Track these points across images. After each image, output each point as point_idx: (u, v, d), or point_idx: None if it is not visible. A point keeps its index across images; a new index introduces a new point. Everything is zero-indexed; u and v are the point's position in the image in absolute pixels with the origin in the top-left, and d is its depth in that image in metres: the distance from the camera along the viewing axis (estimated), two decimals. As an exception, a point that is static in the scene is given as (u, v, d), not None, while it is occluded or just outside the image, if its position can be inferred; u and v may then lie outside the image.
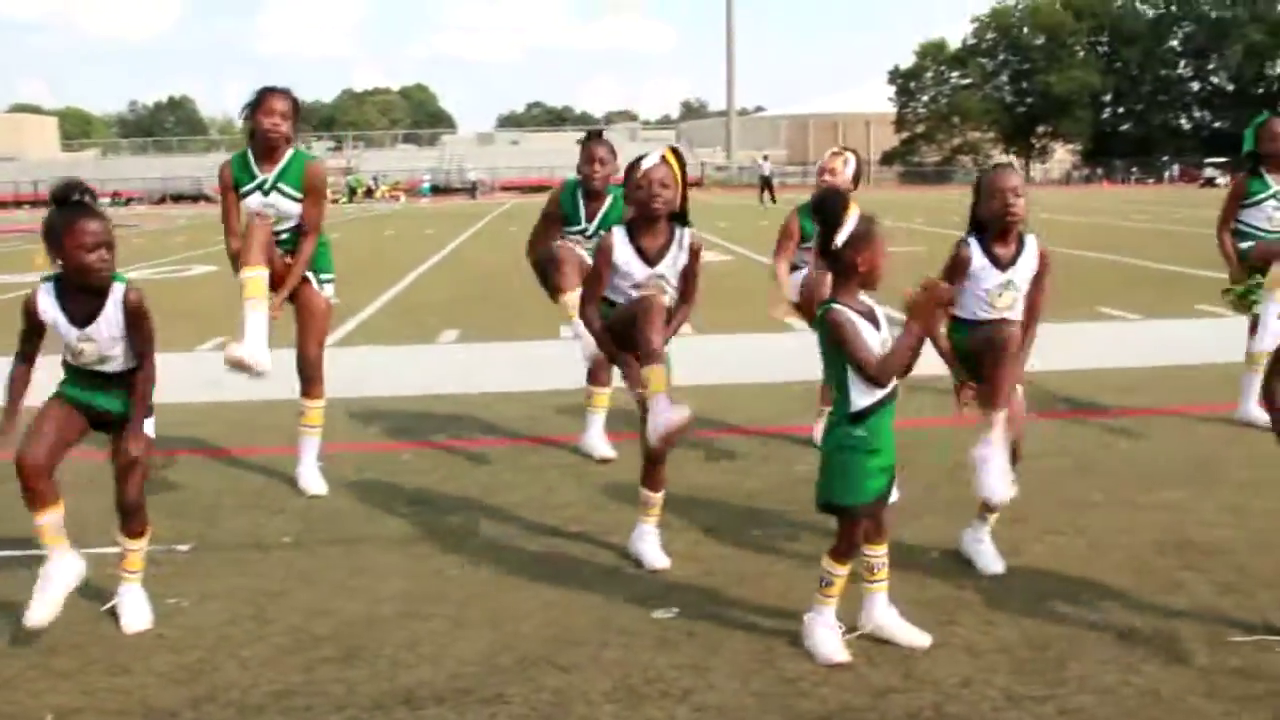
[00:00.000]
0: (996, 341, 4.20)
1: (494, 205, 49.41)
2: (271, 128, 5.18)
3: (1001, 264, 4.29)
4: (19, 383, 3.88)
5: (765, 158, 50.15)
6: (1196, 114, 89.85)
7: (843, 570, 3.60)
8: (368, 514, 5.22)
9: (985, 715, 3.26)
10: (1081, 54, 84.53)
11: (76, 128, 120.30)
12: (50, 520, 3.82)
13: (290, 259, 5.34)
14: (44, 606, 3.75)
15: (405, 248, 23.72)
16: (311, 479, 5.58)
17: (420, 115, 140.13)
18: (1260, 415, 5.25)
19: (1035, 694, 3.36)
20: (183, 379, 7.22)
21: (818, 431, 6.13)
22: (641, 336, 4.14)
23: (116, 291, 3.81)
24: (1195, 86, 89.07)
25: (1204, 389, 7.35)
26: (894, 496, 3.65)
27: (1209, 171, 64.88)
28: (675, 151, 4.29)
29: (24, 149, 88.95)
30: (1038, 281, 4.36)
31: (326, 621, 3.96)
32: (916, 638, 3.68)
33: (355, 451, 6.36)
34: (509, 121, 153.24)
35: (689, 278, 4.37)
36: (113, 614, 4.01)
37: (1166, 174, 76.03)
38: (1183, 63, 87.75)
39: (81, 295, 3.79)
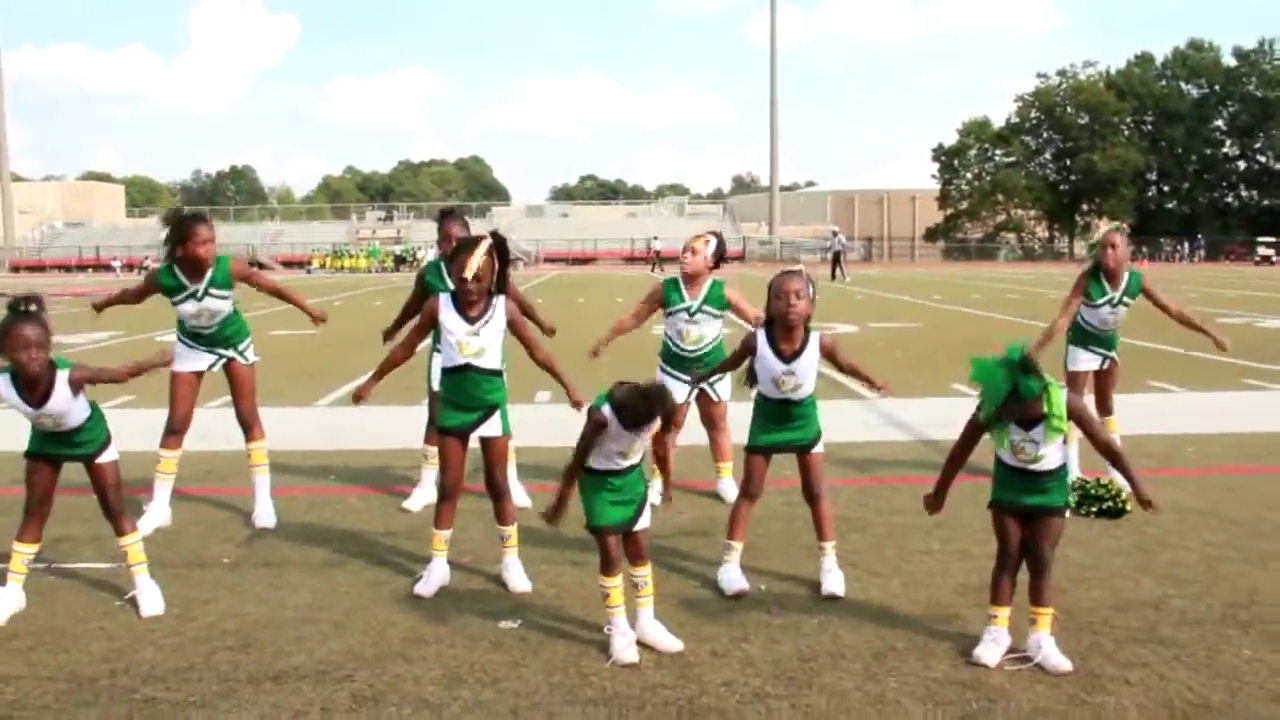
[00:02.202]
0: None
1: (532, 277, 50.80)
2: (206, 255, 6.26)
3: (785, 357, 5.16)
4: None
5: (835, 232, 50.80)
6: (1244, 192, 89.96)
7: (610, 582, 4.52)
8: (300, 544, 6.19)
9: (729, 706, 4.08)
10: (1125, 133, 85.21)
11: (142, 195, 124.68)
12: (27, 553, 5.06)
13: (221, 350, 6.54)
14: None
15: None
16: (263, 514, 6.59)
17: (475, 186, 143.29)
18: None
19: (779, 693, 4.19)
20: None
21: (721, 486, 7.06)
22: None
23: (61, 375, 4.82)
24: (1241, 165, 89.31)
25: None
26: (643, 523, 4.58)
27: (1262, 250, 65.27)
28: (497, 238, 5.16)
29: (92, 215, 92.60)
30: (834, 359, 5.24)
31: (235, 621, 4.92)
32: (670, 643, 4.57)
33: (309, 493, 7.35)
34: (562, 194, 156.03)
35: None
36: (132, 602, 5.09)
37: (1199, 252, 76.38)
38: (1228, 141, 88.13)
39: (31, 384, 4.79)
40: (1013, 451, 4.40)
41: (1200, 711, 3.98)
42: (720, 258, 6.86)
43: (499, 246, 5.16)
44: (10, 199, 78.20)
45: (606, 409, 4.39)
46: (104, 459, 5.06)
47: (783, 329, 5.14)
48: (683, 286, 6.83)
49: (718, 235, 6.99)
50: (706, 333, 6.85)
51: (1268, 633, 4.75)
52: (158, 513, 6.49)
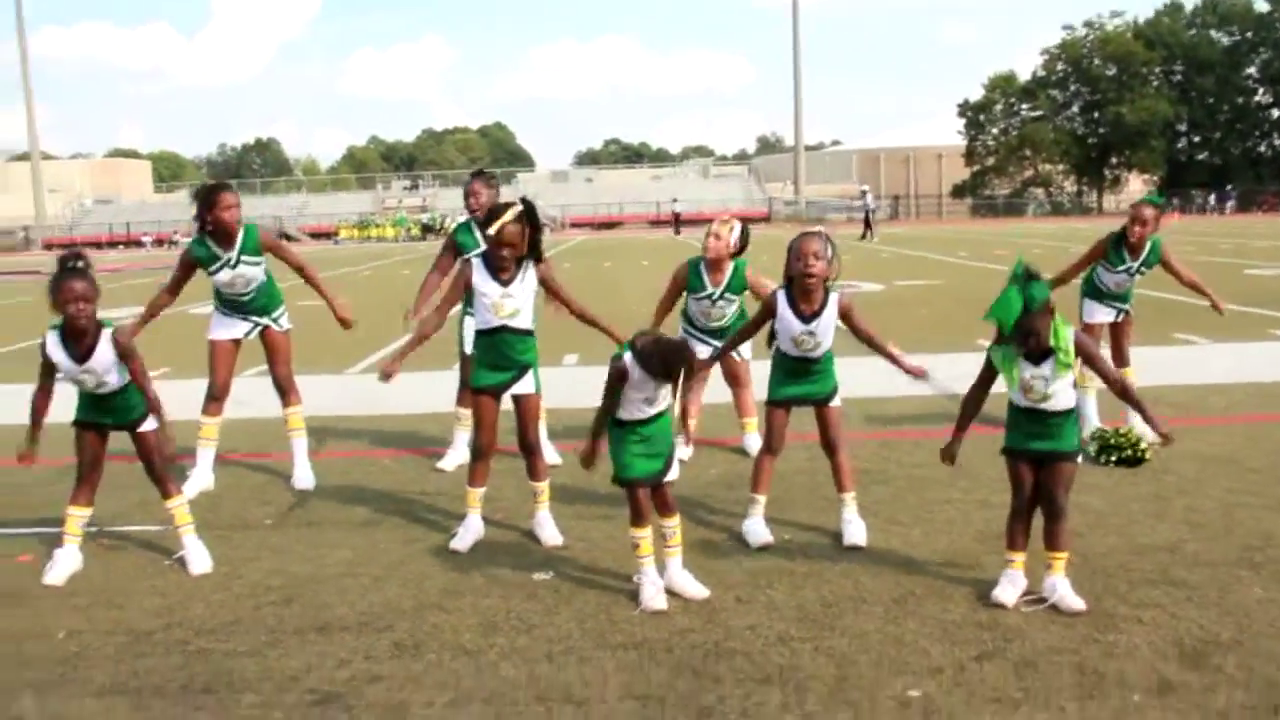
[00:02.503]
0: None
1: (559, 242, 50.93)
2: (232, 220, 6.44)
3: (804, 317, 5.29)
4: (40, 408, 5.13)
5: (865, 191, 50.54)
6: (1277, 141, 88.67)
7: (640, 534, 4.69)
8: (339, 505, 6.41)
9: (755, 649, 4.26)
10: (1154, 83, 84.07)
11: (169, 170, 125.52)
12: (81, 516, 5.29)
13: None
14: (58, 572, 5.17)
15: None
16: (301, 476, 6.82)
17: (499, 153, 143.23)
18: None
19: (803, 637, 4.36)
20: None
21: (746, 441, 7.21)
22: None
23: (106, 333, 5.02)
24: (1275, 114, 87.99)
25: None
26: (671, 475, 4.74)
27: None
28: (526, 204, 5.32)
29: (120, 192, 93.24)
30: (850, 321, 5.36)
31: (279, 578, 5.13)
32: (697, 590, 4.76)
33: (346, 458, 7.57)
34: (586, 159, 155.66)
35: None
36: (181, 562, 5.33)
37: (1228, 204, 75.33)
38: (1261, 89, 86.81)
39: (77, 338, 5.01)
40: (1023, 391, 4.52)
41: (1209, 647, 4.12)
42: (743, 246, 6.89)
43: (529, 212, 5.30)
44: (41, 178, 78.83)
45: (628, 357, 4.55)
46: (146, 427, 5.26)
47: (801, 290, 5.27)
48: (705, 273, 6.88)
49: (742, 223, 6.99)
50: (729, 311, 6.97)
51: (1279, 574, 4.87)
52: (201, 477, 6.72)
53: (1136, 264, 7.39)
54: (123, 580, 5.20)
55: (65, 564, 5.24)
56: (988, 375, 4.68)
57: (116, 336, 5.07)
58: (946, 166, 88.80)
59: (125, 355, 5.09)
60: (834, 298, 5.32)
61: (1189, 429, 7.72)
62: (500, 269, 5.31)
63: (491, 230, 5.21)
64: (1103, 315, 7.59)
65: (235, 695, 3.94)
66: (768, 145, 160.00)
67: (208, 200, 6.45)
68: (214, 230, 6.48)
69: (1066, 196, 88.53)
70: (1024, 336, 4.42)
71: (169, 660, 4.26)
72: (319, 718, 3.75)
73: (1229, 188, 78.92)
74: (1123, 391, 4.72)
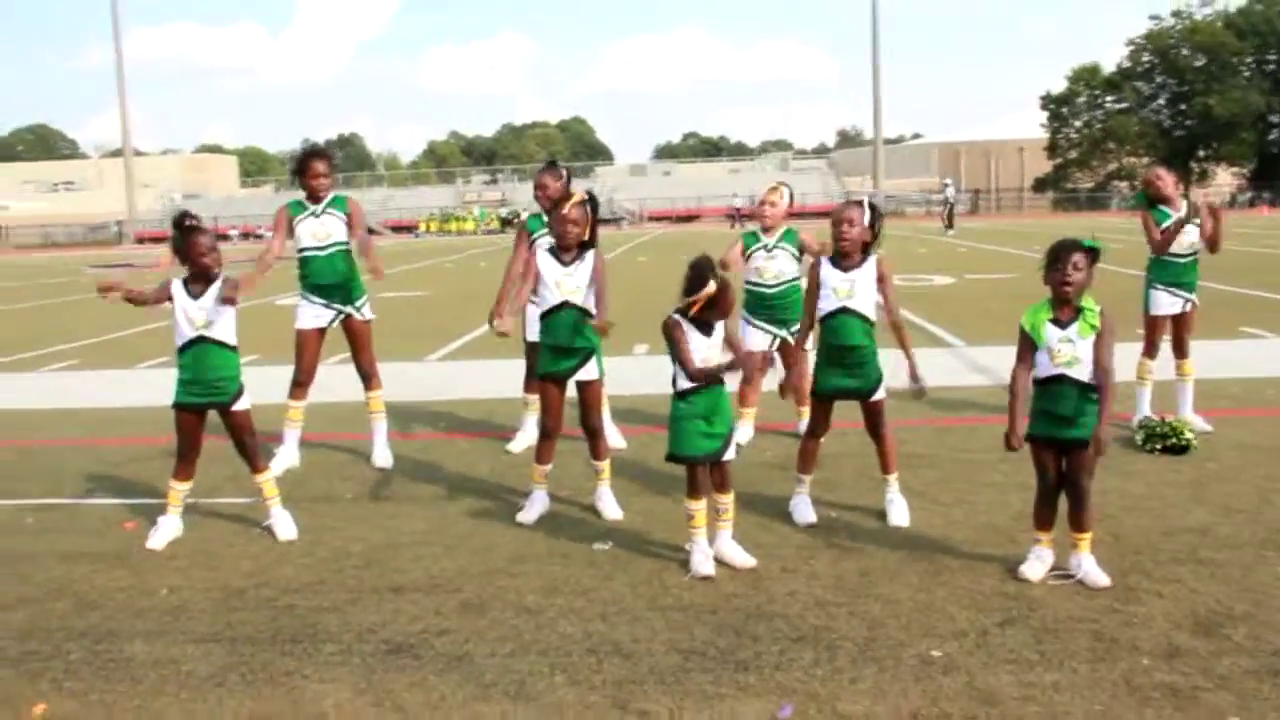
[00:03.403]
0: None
1: (636, 235, 51.36)
2: (318, 188, 6.96)
3: (846, 269, 5.63)
4: (139, 296, 5.64)
5: (947, 184, 50.54)
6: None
7: (695, 505, 5.03)
8: (414, 481, 6.86)
9: (794, 612, 4.59)
10: (1245, 74, 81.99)
11: (254, 166, 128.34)
12: (182, 490, 5.81)
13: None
14: (160, 537, 5.70)
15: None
16: (380, 456, 7.28)
17: (578, 147, 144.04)
18: None
19: (838, 602, 4.68)
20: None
21: (801, 427, 7.52)
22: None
23: (217, 280, 5.58)
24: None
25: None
26: (729, 455, 5.04)
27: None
28: (590, 195, 5.83)
29: (207, 187, 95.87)
30: (884, 287, 5.66)
31: (359, 545, 5.59)
32: (744, 560, 5.10)
33: (422, 439, 8.05)
34: (664, 152, 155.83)
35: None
36: (269, 530, 5.82)
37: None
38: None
39: (198, 282, 5.58)
40: (1051, 357, 4.77)
41: (1222, 619, 4.36)
42: (791, 206, 7.32)
43: (592, 202, 5.79)
44: (133, 174, 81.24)
45: (674, 315, 4.97)
46: (238, 407, 5.74)
47: (840, 253, 5.61)
48: (760, 234, 7.34)
49: (789, 187, 7.44)
50: (785, 269, 7.29)
51: (1305, 554, 5.07)
52: (287, 456, 7.21)
53: (1181, 215, 7.52)
54: (217, 545, 5.70)
55: (167, 530, 5.74)
56: (1025, 348, 4.90)
57: (226, 282, 5.61)
58: (1028, 160, 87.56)
59: (229, 297, 5.60)
60: (873, 257, 5.64)
61: (1239, 420, 7.88)
62: (563, 249, 5.72)
63: (567, 213, 5.64)
64: (1169, 307, 7.69)
65: (318, 645, 4.37)
66: (847, 139, 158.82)
67: (301, 166, 7.06)
68: (309, 194, 7.06)
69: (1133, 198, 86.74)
70: (1072, 265, 4.70)
71: (259, 614, 4.72)
72: (392, 664, 4.16)
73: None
74: (1101, 383, 4.75)
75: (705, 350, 4.96)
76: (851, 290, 5.61)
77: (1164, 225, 7.55)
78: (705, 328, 4.99)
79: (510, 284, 6.99)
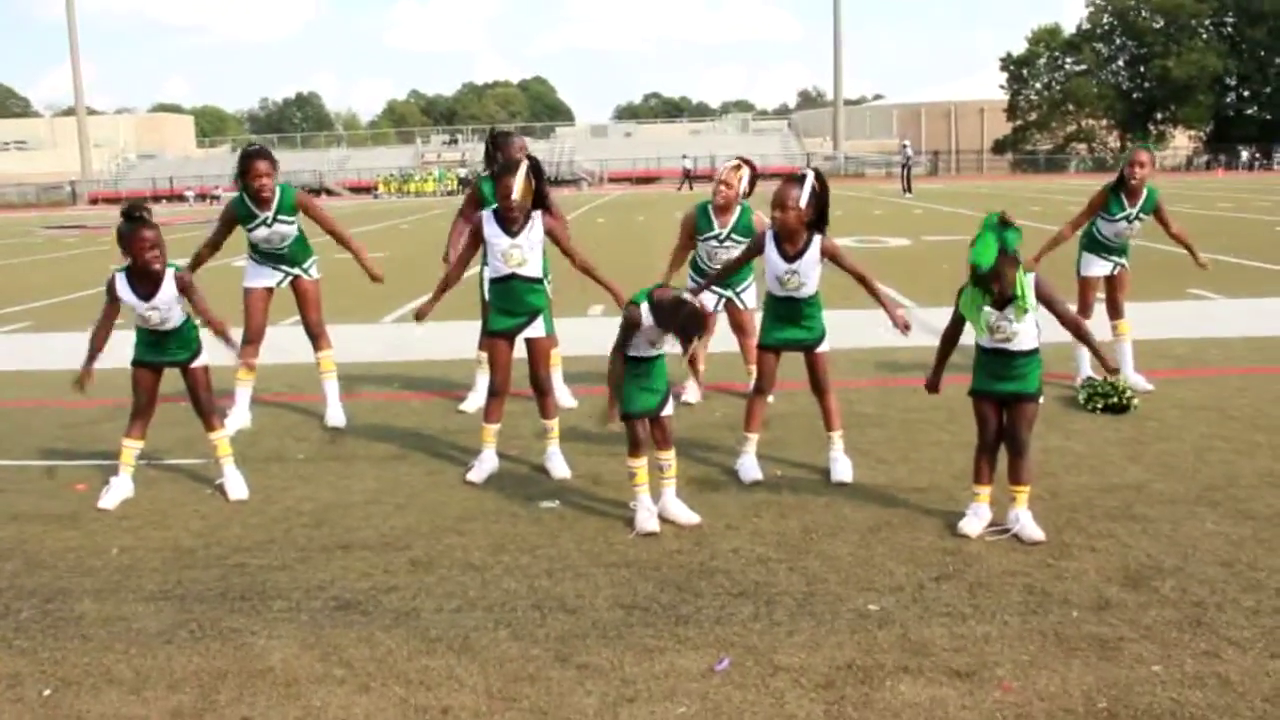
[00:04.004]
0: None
1: (596, 197, 51.21)
2: (261, 188, 6.88)
3: (788, 257, 5.66)
4: (99, 340, 5.61)
5: (905, 144, 50.45)
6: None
7: (636, 463, 5.13)
8: (366, 441, 6.91)
9: (735, 568, 4.68)
10: (1204, 36, 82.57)
11: (211, 125, 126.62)
12: (135, 448, 5.81)
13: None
14: (112, 498, 5.69)
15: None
16: (333, 415, 7.33)
17: (539, 107, 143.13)
18: None
19: (780, 559, 4.78)
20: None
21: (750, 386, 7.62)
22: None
23: (170, 273, 5.50)
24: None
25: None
26: (667, 410, 5.16)
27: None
28: (532, 160, 5.80)
29: (163, 147, 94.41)
30: (837, 261, 5.73)
31: (310, 504, 5.64)
32: (688, 517, 5.20)
33: (375, 400, 8.09)
34: (626, 113, 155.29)
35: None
36: (221, 490, 5.84)
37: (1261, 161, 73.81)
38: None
39: (145, 280, 5.49)
40: (990, 332, 4.88)
41: (1151, 572, 4.50)
42: (753, 184, 7.27)
43: (535, 169, 5.75)
44: (86, 133, 79.96)
45: (644, 307, 4.97)
46: (197, 364, 5.76)
47: (783, 233, 5.65)
48: (713, 215, 7.31)
49: (750, 164, 7.37)
50: (736, 253, 7.33)
51: (1235, 510, 5.22)
52: (239, 416, 7.22)
53: (1135, 210, 7.63)
54: (168, 505, 5.72)
55: (118, 491, 5.76)
56: (958, 319, 5.04)
57: (179, 275, 5.57)
58: (989, 122, 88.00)
59: (186, 290, 5.58)
60: (817, 239, 5.67)
61: (1182, 380, 8.05)
62: (509, 221, 5.74)
63: (513, 196, 5.63)
64: (1099, 269, 7.87)
65: (267, 601, 4.42)
66: (809, 100, 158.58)
67: (243, 168, 6.95)
68: (253, 195, 6.95)
69: (1110, 152, 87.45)
70: (993, 279, 4.77)
71: (210, 572, 4.76)
72: (340, 620, 4.22)
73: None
74: (1077, 330, 5.04)
75: (657, 337, 5.02)
76: (797, 282, 5.66)
77: (1116, 214, 7.66)
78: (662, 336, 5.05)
79: (455, 242, 7.01)
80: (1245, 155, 75.68)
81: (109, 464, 6.07)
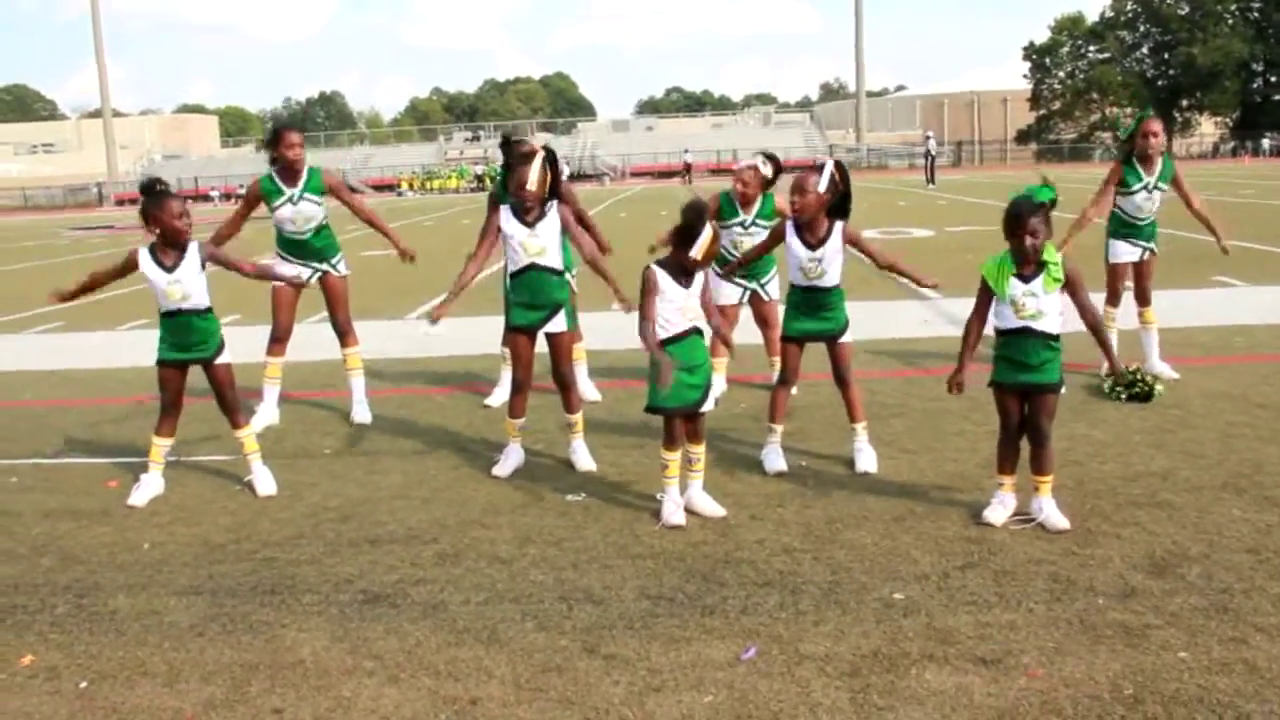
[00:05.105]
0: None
1: (618, 191, 51.23)
2: (295, 157, 6.97)
3: (811, 245, 5.67)
4: (97, 281, 5.78)
5: (929, 136, 50.41)
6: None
7: (670, 456, 5.14)
8: (392, 437, 6.97)
9: (760, 559, 4.70)
10: (1230, 22, 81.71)
11: (235, 126, 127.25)
12: (164, 445, 5.88)
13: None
14: (142, 494, 5.77)
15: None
16: (359, 412, 7.38)
17: (560, 103, 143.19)
18: None
19: (805, 549, 4.80)
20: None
21: (774, 377, 7.62)
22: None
23: (194, 245, 5.61)
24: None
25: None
26: (707, 406, 5.14)
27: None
28: (548, 151, 5.84)
29: (188, 147, 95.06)
30: (860, 247, 5.74)
31: (337, 499, 5.69)
32: (714, 510, 5.21)
33: (401, 395, 8.15)
34: (647, 107, 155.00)
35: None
36: (249, 486, 5.90)
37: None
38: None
39: (170, 251, 5.58)
40: (1015, 310, 4.87)
41: (1177, 559, 4.49)
42: (777, 174, 7.20)
43: (550, 159, 5.79)
44: (112, 134, 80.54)
45: (655, 265, 5.01)
46: (220, 361, 5.82)
47: (806, 222, 5.66)
48: (736, 202, 7.31)
49: (773, 158, 7.31)
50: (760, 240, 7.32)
51: (1261, 497, 5.20)
52: (267, 413, 7.29)
53: (1153, 180, 7.53)
54: (198, 502, 5.79)
55: (149, 487, 5.83)
56: (983, 299, 5.00)
57: (204, 248, 5.67)
58: (1012, 111, 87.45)
59: (215, 257, 5.68)
60: (839, 227, 5.68)
61: (1206, 368, 8.01)
62: (525, 211, 5.77)
63: (527, 184, 5.67)
64: (1128, 254, 7.79)
65: (297, 595, 4.48)
66: (831, 92, 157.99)
67: (274, 139, 7.06)
68: (280, 168, 7.02)
69: (1113, 145, 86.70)
70: (1030, 231, 4.73)
71: (240, 567, 4.82)
72: (368, 613, 4.27)
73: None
74: (1094, 327, 5.00)
75: (683, 301, 5.02)
76: (820, 270, 5.67)
77: (1134, 185, 7.57)
78: (685, 278, 5.04)
79: (471, 264, 7.05)
80: (1267, 143, 74.85)
81: (139, 461, 6.15)
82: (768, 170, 7.08)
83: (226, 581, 4.66)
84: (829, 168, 5.63)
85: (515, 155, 6.38)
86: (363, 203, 7.39)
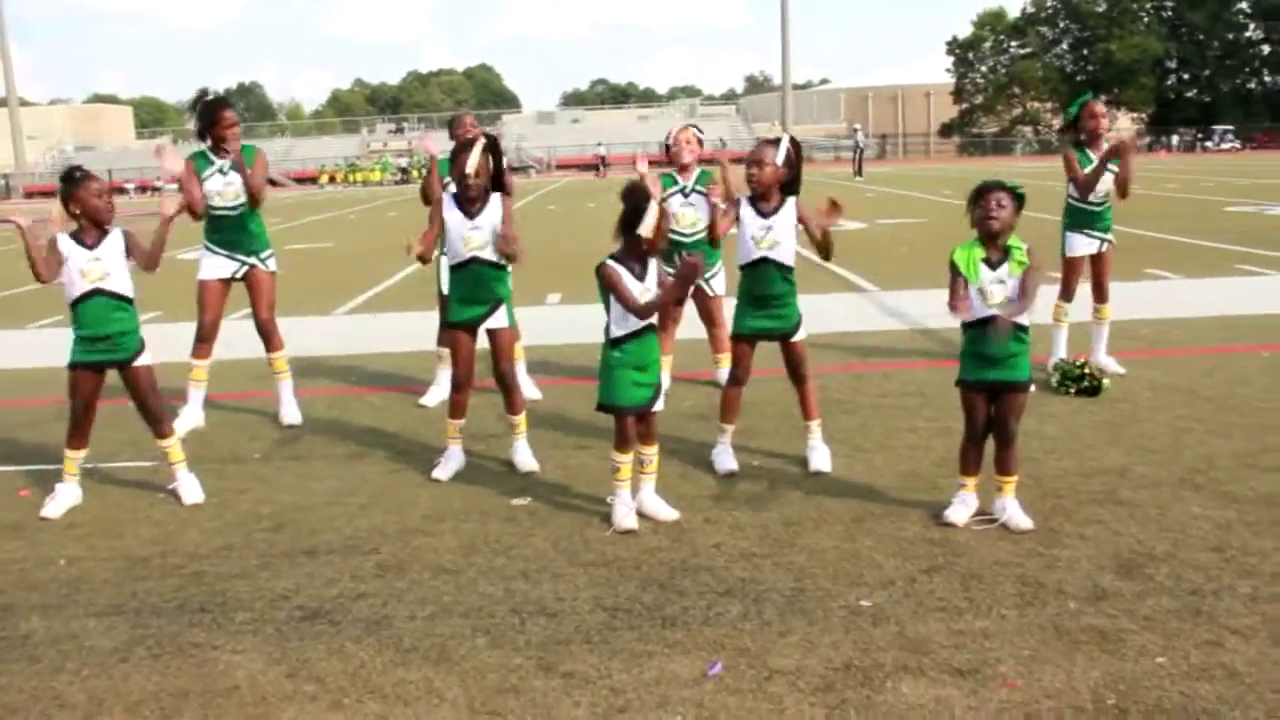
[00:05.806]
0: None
1: (545, 184, 50.85)
2: (233, 136, 6.64)
3: (764, 214, 5.51)
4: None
5: (856, 129, 50.86)
6: (1267, 78, 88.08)
7: (621, 458, 4.93)
8: (325, 439, 6.66)
9: (719, 565, 4.51)
10: (1145, 20, 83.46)
11: (151, 116, 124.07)
12: (77, 458, 5.52)
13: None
14: (57, 506, 5.43)
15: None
16: (288, 413, 7.05)
17: (485, 95, 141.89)
18: None
19: (764, 553, 4.61)
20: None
21: (720, 375, 7.45)
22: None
23: (116, 231, 5.34)
24: (1266, 50, 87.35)
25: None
26: (659, 405, 4.94)
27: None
28: (490, 139, 5.59)
29: (101, 138, 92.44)
30: (808, 225, 5.57)
31: (269, 507, 5.38)
32: (667, 513, 5.02)
33: (331, 395, 7.82)
34: (573, 99, 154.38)
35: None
36: (174, 494, 5.57)
37: (1212, 141, 74.59)
38: (1251, 25, 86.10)
39: (93, 231, 5.30)
40: (984, 299, 4.73)
41: (1144, 559, 4.39)
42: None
43: (492, 147, 5.53)
44: (20, 125, 78.11)
45: (609, 262, 4.83)
46: (140, 363, 5.46)
47: (760, 193, 5.51)
48: (676, 175, 7.23)
49: (696, 127, 7.32)
50: (700, 217, 7.14)
51: (1218, 493, 5.13)
52: (191, 416, 6.94)
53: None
54: (119, 512, 5.44)
55: (64, 498, 5.46)
56: (956, 286, 4.83)
57: (127, 233, 5.37)
58: (935, 105, 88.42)
59: (138, 247, 5.40)
60: (792, 200, 5.53)
61: (1149, 360, 8.00)
62: (467, 200, 5.52)
63: (467, 169, 5.42)
64: (1085, 247, 7.67)
65: (229, 613, 4.19)
66: (757, 85, 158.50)
67: (211, 117, 6.69)
68: (214, 147, 6.70)
69: (1054, 135, 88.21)
70: (996, 202, 4.68)
71: (166, 583, 4.51)
72: (307, 631, 4.00)
73: (1212, 126, 78.41)
74: (1025, 280, 4.75)
75: (639, 292, 4.83)
76: (771, 239, 5.51)
77: (1087, 168, 7.51)
78: (639, 268, 4.84)
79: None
80: (1177, 139, 76.64)
81: (53, 469, 5.76)
82: (698, 136, 7.22)
83: (151, 600, 4.35)
84: (784, 142, 5.52)
85: (453, 136, 6.15)
86: (264, 177, 6.97)
